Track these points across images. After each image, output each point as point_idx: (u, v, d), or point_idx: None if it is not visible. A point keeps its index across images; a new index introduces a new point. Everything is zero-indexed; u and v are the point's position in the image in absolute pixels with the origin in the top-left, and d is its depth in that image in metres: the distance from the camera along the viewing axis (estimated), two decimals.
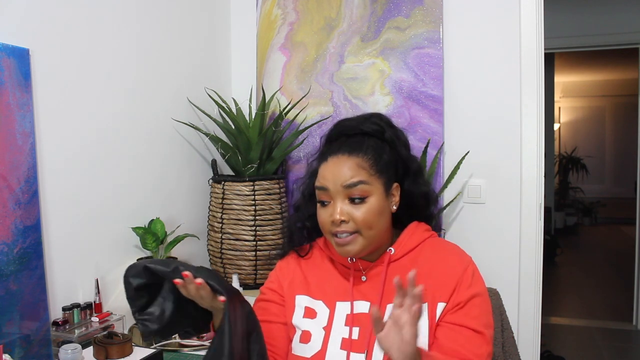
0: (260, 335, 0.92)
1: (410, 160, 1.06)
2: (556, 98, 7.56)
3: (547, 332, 3.34)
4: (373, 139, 1.03)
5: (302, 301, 1.06)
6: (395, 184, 1.03)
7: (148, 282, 0.90)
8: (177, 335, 1.30)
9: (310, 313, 1.04)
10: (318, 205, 1.02)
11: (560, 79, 7.66)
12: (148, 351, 1.33)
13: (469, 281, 0.99)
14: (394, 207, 1.03)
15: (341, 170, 0.98)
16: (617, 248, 6.35)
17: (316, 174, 1.04)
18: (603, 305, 4.25)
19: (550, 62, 5.62)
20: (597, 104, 8.62)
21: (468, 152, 1.93)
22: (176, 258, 1.74)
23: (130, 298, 0.91)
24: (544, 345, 2.54)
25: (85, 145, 1.52)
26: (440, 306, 0.97)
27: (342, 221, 0.96)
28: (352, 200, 0.97)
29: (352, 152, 0.99)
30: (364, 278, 1.03)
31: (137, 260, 0.94)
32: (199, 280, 0.86)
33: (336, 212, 0.97)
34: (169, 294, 0.92)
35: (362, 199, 0.97)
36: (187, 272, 0.86)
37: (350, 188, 0.97)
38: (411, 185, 1.05)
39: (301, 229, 1.12)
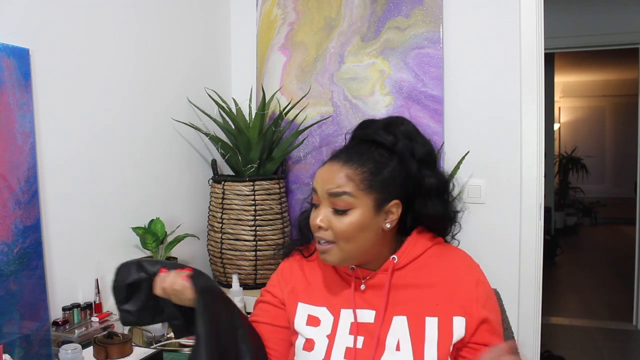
0: (246, 335, 0.96)
1: (424, 177, 0.99)
2: (556, 98, 7.56)
3: (547, 332, 3.34)
4: (380, 150, 0.98)
5: (304, 309, 1.03)
6: (395, 202, 0.97)
7: (135, 280, 0.98)
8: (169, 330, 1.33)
9: (313, 321, 1.02)
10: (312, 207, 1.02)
11: (560, 79, 7.65)
12: (148, 351, 1.33)
13: (485, 295, 0.98)
14: (388, 225, 0.98)
15: (329, 177, 0.96)
16: (617, 248, 6.35)
17: None
18: (603, 305, 4.24)
19: (550, 62, 5.61)
20: (597, 104, 8.61)
21: (468, 152, 1.93)
22: (176, 258, 1.74)
23: (117, 293, 0.99)
24: (544, 345, 2.54)
25: (85, 145, 1.52)
26: (459, 321, 0.95)
27: (321, 227, 0.96)
28: (334, 210, 0.96)
29: (347, 161, 0.97)
30: (362, 287, 1.01)
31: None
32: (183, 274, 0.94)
33: (318, 217, 0.96)
34: (147, 291, 0.97)
35: (344, 211, 0.95)
36: (164, 268, 0.96)
37: (333, 197, 0.95)
38: (422, 204, 1.00)
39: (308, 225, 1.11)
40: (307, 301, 1.04)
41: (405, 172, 0.98)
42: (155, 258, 1.68)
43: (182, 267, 0.97)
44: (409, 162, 0.98)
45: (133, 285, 0.97)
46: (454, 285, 0.98)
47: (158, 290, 0.95)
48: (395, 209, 0.98)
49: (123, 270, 0.98)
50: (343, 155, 0.99)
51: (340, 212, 0.95)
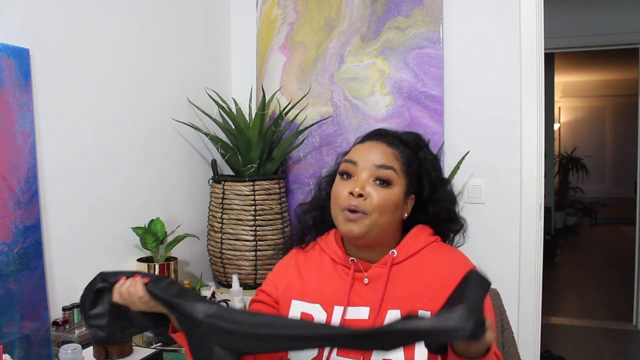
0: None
1: (439, 182, 1.07)
2: (556, 98, 7.55)
3: (547, 332, 3.34)
4: (407, 149, 1.05)
5: (298, 306, 1.04)
6: (412, 196, 1.05)
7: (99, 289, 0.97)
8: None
9: (306, 318, 1.02)
10: (338, 179, 1.03)
11: (560, 79, 7.65)
12: (148, 351, 1.33)
13: None
14: (405, 215, 1.04)
15: (377, 151, 1.01)
16: (617, 248, 6.34)
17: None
18: (603, 305, 4.24)
19: (550, 62, 5.61)
20: (597, 104, 8.61)
21: (468, 152, 1.93)
22: (176, 258, 1.74)
23: (85, 299, 0.98)
24: (544, 345, 2.54)
25: (85, 145, 1.52)
26: None
27: (360, 195, 0.97)
28: (377, 182, 0.99)
29: (390, 144, 1.03)
30: (366, 280, 1.02)
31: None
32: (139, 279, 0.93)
33: (358, 185, 0.98)
34: (110, 301, 0.97)
35: (388, 184, 0.99)
36: (123, 277, 0.94)
37: (381, 169, 0.99)
38: (434, 205, 1.07)
39: (308, 212, 1.13)
40: (300, 298, 1.05)
41: (422, 174, 1.06)
42: (155, 257, 1.68)
43: (146, 275, 0.96)
44: (427, 166, 1.06)
45: (98, 294, 0.97)
46: (448, 280, 0.98)
47: (116, 295, 0.95)
48: (410, 202, 1.05)
49: (89, 283, 0.99)
50: (382, 139, 1.04)
51: (383, 184, 0.99)
